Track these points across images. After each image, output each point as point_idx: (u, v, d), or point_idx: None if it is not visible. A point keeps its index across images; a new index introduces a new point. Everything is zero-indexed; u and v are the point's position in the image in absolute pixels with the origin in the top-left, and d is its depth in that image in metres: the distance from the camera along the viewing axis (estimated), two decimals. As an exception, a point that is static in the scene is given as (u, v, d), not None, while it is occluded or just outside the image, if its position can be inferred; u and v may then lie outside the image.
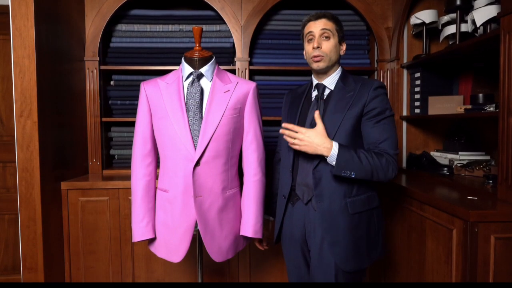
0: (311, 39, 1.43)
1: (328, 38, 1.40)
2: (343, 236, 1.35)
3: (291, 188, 1.46)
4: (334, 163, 1.30)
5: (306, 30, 1.45)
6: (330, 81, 1.45)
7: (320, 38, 1.40)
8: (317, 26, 1.41)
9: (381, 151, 1.34)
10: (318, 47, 1.39)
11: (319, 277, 1.39)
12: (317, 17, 1.42)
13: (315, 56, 1.40)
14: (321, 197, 1.37)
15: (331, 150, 1.29)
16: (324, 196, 1.36)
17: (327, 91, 1.45)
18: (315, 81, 1.49)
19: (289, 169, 1.45)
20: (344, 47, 1.47)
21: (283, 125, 1.34)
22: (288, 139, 1.33)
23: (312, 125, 1.39)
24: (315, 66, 1.42)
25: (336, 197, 1.36)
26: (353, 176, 1.30)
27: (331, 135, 1.34)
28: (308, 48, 1.44)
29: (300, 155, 1.42)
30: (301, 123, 1.45)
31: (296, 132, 1.31)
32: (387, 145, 1.35)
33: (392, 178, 1.35)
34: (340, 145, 1.30)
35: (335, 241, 1.36)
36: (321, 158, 1.35)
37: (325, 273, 1.38)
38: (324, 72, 1.44)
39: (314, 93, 1.48)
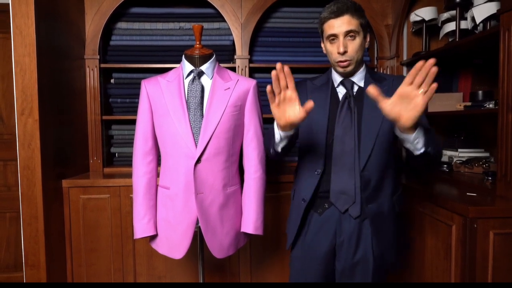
0: (333, 39, 1.27)
1: (353, 37, 1.25)
2: (394, 238, 1.30)
3: (316, 194, 1.33)
4: (421, 136, 1.09)
5: (327, 30, 1.27)
6: (358, 78, 1.33)
7: (345, 40, 1.24)
8: (340, 27, 1.24)
9: None
10: (344, 52, 1.25)
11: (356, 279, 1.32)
12: (338, 14, 1.23)
13: (341, 61, 1.27)
14: (369, 200, 1.25)
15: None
16: (373, 199, 1.25)
17: (355, 88, 1.33)
18: (339, 78, 1.35)
19: (317, 172, 1.31)
20: (368, 38, 1.32)
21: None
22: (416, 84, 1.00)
23: (344, 127, 1.28)
24: (341, 70, 1.30)
25: (385, 197, 1.28)
26: (431, 152, 1.12)
27: (374, 135, 1.25)
28: (332, 49, 1.29)
29: (337, 158, 1.28)
30: (331, 124, 1.31)
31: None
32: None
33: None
34: None
35: (385, 246, 1.29)
36: (370, 155, 1.24)
37: (362, 277, 1.31)
38: (352, 73, 1.33)
39: (341, 90, 1.35)
